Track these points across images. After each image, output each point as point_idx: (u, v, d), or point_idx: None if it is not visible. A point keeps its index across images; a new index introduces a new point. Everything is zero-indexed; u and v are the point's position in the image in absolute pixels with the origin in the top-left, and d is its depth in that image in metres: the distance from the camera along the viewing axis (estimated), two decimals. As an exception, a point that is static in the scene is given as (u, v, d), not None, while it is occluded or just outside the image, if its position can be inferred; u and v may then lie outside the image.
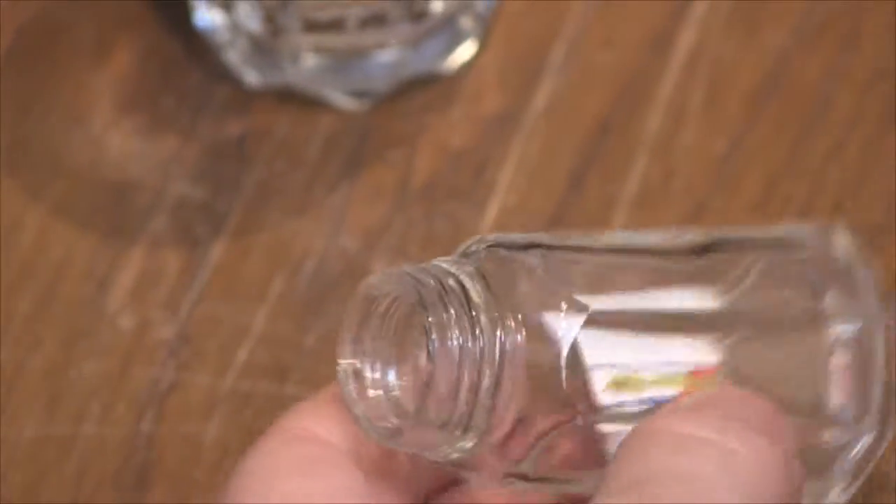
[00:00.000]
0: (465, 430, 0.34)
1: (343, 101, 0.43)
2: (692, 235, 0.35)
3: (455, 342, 0.33)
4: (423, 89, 0.44)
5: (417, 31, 0.43)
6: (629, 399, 0.34)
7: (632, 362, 0.34)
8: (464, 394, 0.33)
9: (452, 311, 0.33)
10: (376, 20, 0.42)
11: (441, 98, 0.44)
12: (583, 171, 0.43)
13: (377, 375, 0.36)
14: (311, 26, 0.43)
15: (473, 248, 0.35)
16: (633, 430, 0.35)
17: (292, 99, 0.44)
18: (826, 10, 0.45)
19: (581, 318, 0.32)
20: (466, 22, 0.44)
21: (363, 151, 0.43)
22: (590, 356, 0.33)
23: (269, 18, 0.42)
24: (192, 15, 0.44)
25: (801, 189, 0.42)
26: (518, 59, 0.45)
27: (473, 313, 0.33)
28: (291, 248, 0.41)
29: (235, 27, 0.42)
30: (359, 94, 0.43)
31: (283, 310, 0.41)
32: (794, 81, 0.44)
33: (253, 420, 0.39)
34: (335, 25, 0.44)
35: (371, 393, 0.36)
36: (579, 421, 0.34)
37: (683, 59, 0.43)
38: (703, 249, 0.35)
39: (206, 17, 0.43)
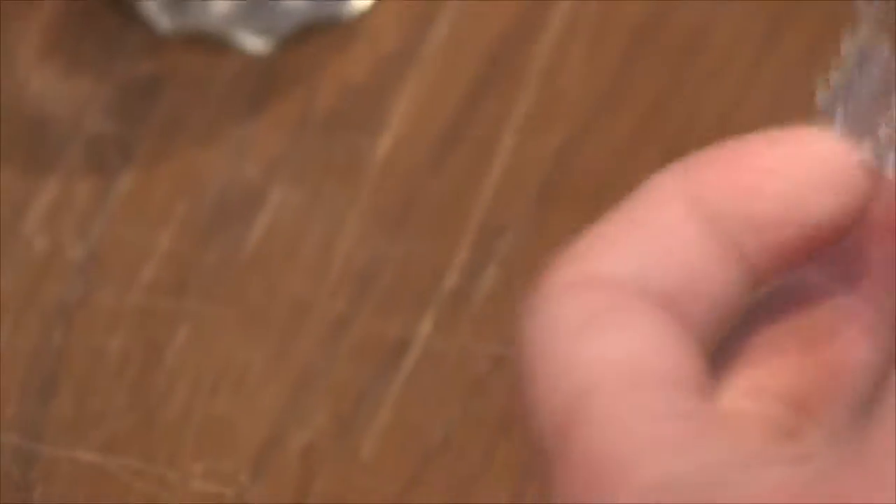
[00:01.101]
0: None
1: (250, 42, 0.46)
2: None
3: None
4: (325, 31, 0.46)
5: None
6: None
7: None
8: None
9: None
10: None
11: (342, 38, 0.46)
12: (473, 99, 0.45)
13: None
14: None
15: None
16: None
17: (202, 41, 0.47)
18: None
19: None
20: None
21: (267, 88, 0.46)
22: None
23: None
24: None
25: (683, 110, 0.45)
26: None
27: None
28: (196, 177, 0.44)
29: None
30: (265, 36, 0.46)
31: (187, 232, 0.44)
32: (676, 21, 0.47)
33: (155, 332, 0.42)
34: None
35: None
36: None
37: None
38: None
39: None
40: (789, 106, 0.47)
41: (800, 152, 0.33)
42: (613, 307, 0.30)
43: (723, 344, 0.33)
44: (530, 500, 0.44)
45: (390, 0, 0.48)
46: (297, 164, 0.45)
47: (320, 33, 0.47)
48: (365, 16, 0.47)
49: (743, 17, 0.48)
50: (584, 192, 0.44)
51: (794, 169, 0.32)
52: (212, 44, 0.48)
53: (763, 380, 0.33)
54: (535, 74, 0.47)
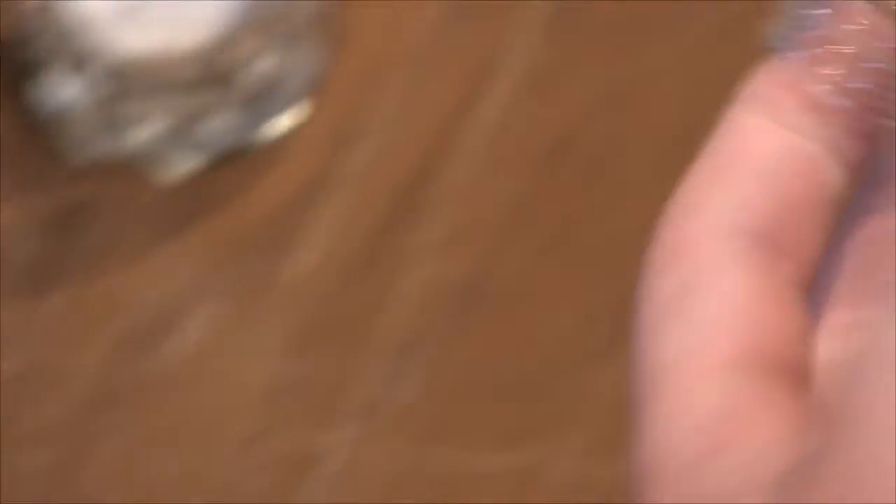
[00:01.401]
0: None
1: (172, 166, 0.50)
2: None
3: None
4: (245, 155, 0.49)
5: (243, 97, 0.49)
6: None
7: None
8: None
9: None
10: (205, 84, 0.49)
11: (262, 162, 0.50)
12: (387, 222, 0.48)
13: None
14: (144, 92, 0.49)
15: None
16: None
17: (128, 166, 0.50)
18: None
19: None
20: (291, 90, 0.49)
21: (189, 211, 0.50)
22: None
23: (109, 87, 0.48)
24: (35, 90, 0.49)
25: (591, 228, 0.48)
26: (336, 124, 0.50)
27: None
28: (122, 297, 0.49)
29: (77, 99, 0.48)
30: (187, 161, 0.50)
31: (112, 350, 0.46)
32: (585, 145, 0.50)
33: (80, 448, 0.44)
34: (169, 88, 0.49)
35: None
36: None
37: (484, 124, 0.49)
38: None
39: (50, 91, 0.49)
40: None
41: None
42: (699, 277, 0.30)
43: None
44: None
45: (308, 125, 0.50)
46: (218, 284, 0.48)
47: (241, 157, 0.50)
48: (284, 140, 0.50)
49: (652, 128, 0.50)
50: (496, 309, 0.47)
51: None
52: (137, 169, 0.51)
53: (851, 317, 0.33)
54: (447, 199, 0.49)
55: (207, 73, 0.50)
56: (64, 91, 0.50)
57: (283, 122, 0.51)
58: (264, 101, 0.50)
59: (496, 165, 0.49)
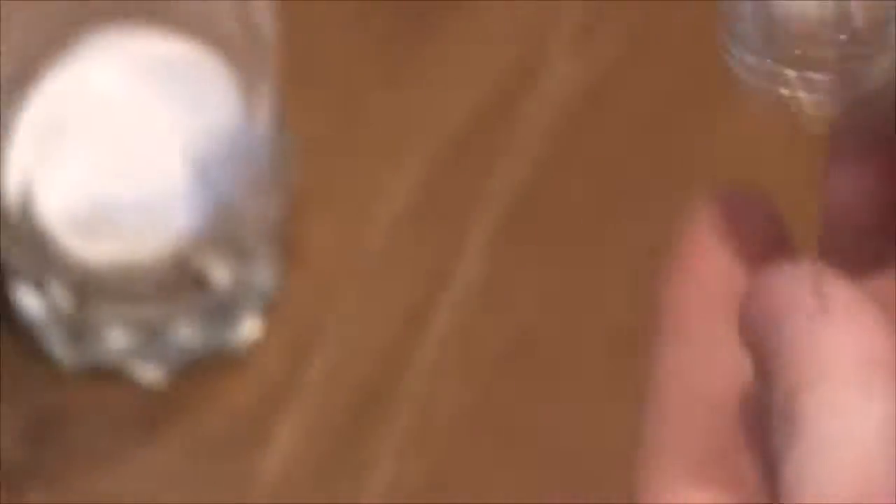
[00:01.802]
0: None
1: (145, 372, 0.51)
2: None
3: None
4: (215, 361, 0.51)
5: (206, 306, 0.51)
6: None
7: None
8: None
9: None
10: (167, 295, 0.50)
11: (231, 367, 0.51)
12: (352, 424, 0.50)
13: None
14: (107, 303, 0.50)
15: None
16: None
17: (102, 372, 0.51)
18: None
19: None
20: (249, 302, 0.52)
21: (162, 415, 0.51)
22: None
23: (76, 298, 0.50)
24: (10, 297, 0.51)
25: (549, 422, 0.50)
26: (295, 335, 0.52)
27: None
28: (97, 499, 0.49)
29: (50, 308, 0.50)
30: (159, 366, 0.51)
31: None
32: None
33: None
34: (132, 299, 0.51)
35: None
36: None
37: (438, 331, 0.51)
38: None
39: (23, 298, 0.51)
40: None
41: None
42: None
43: None
44: None
45: (268, 336, 0.52)
46: (189, 486, 0.50)
47: (210, 363, 0.51)
48: (252, 347, 0.51)
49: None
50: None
51: None
52: (110, 374, 0.52)
53: None
54: (410, 398, 0.51)
55: (169, 285, 0.51)
56: (30, 301, 0.51)
57: (244, 333, 0.52)
58: (225, 312, 0.51)
59: (452, 370, 0.51)
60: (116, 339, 0.52)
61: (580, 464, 0.52)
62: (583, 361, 0.54)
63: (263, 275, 0.54)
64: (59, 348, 0.51)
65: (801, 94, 0.38)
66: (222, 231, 0.53)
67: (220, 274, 0.54)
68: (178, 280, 0.51)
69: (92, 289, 0.52)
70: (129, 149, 0.53)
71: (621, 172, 0.58)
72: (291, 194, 0.55)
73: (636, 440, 0.37)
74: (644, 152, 0.56)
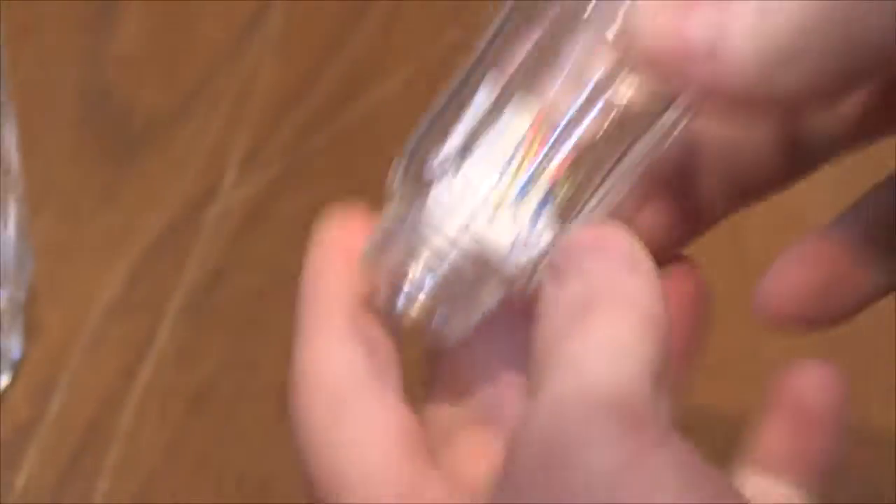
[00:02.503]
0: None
1: None
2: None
3: None
4: None
5: None
6: None
7: None
8: None
9: None
10: None
11: None
12: (72, 466, 0.60)
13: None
14: None
15: None
16: None
17: None
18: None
19: None
20: (2, 361, 0.61)
21: None
22: None
23: None
24: None
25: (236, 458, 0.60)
26: (36, 386, 0.62)
27: None
28: None
29: None
30: None
31: None
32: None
33: None
34: None
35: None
36: None
37: (143, 383, 0.62)
38: None
39: None
40: None
41: None
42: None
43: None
44: None
45: (20, 385, 0.62)
46: None
47: None
48: (2, 394, 0.61)
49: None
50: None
51: None
52: None
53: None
54: (122, 434, 0.61)
55: None
56: None
57: None
58: None
59: (154, 412, 0.61)
60: None
61: (262, 486, 0.62)
62: (256, 406, 0.64)
63: (12, 343, 0.62)
64: None
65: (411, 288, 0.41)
66: None
67: None
68: None
69: None
70: None
71: (284, 267, 0.66)
72: (30, 284, 0.64)
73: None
74: (301, 249, 0.66)
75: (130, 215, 0.68)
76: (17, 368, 0.62)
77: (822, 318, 0.47)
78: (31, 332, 0.63)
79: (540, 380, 0.39)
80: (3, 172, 0.60)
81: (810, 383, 0.45)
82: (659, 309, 0.40)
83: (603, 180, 0.43)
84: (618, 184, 0.43)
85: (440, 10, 0.76)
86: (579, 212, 0.43)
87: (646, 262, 0.41)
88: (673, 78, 0.42)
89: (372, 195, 0.44)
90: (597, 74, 0.42)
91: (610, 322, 0.39)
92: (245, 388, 0.63)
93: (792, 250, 0.47)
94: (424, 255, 0.42)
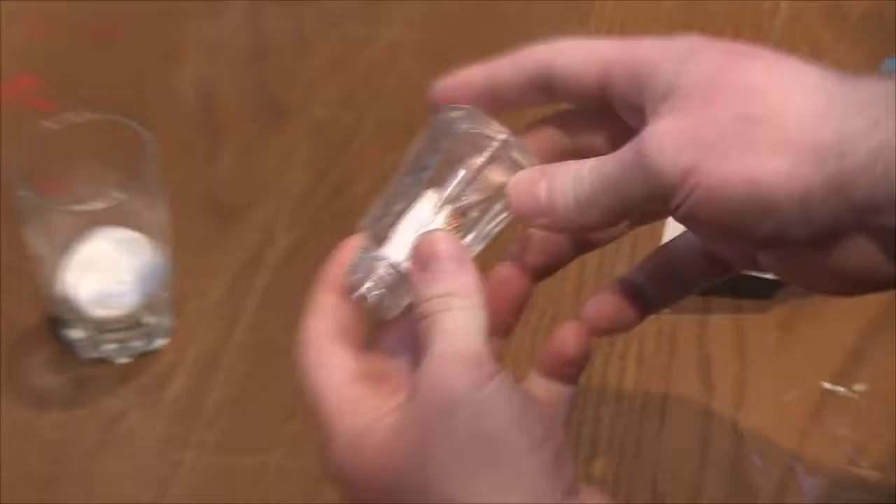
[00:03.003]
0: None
1: (118, 359, 0.84)
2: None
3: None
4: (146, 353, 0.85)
5: (140, 332, 0.84)
6: None
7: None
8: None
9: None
10: (128, 326, 0.83)
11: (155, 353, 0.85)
12: None
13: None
14: (105, 331, 0.83)
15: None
16: None
17: (95, 360, 0.84)
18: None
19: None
20: (160, 331, 0.86)
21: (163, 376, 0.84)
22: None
23: (90, 331, 0.82)
24: (62, 330, 0.83)
25: None
26: (177, 339, 0.87)
27: None
28: None
29: (81, 334, 0.84)
30: (124, 356, 0.84)
31: None
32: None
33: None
34: (115, 329, 0.83)
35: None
36: None
37: None
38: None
39: (70, 332, 0.84)
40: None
41: None
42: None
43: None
44: None
45: (171, 342, 0.86)
46: None
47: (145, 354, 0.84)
48: (162, 349, 0.85)
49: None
50: None
51: None
52: (102, 360, 0.85)
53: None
54: (223, 370, 0.85)
55: (129, 323, 0.82)
56: (74, 332, 0.84)
57: (156, 345, 0.83)
58: (149, 335, 0.84)
59: (245, 364, 0.85)
60: (108, 347, 0.86)
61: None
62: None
63: (166, 320, 0.87)
64: (82, 350, 0.85)
65: (373, 287, 0.58)
66: (148, 305, 0.85)
67: (148, 319, 0.85)
68: (132, 322, 0.85)
69: (98, 327, 0.84)
70: (113, 273, 0.84)
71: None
72: (176, 287, 0.88)
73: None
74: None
75: (227, 253, 0.94)
76: (169, 334, 0.88)
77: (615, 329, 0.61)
78: (177, 313, 0.90)
79: (427, 344, 0.53)
80: (160, 228, 0.84)
81: (569, 335, 0.61)
82: (479, 294, 0.54)
83: (471, 241, 0.58)
84: (476, 244, 0.59)
85: (389, 142, 0.98)
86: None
87: (469, 264, 0.55)
88: (528, 217, 0.56)
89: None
90: (471, 183, 0.57)
91: (460, 307, 0.54)
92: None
93: (595, 297, 0.62)
94: (376, 273, 0.58)
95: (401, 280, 0.54)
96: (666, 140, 0.51)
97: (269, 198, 0.97)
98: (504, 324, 0.58)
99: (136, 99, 1.01)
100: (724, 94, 0.51)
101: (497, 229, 0.57)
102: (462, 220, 0.56)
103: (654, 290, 0.60)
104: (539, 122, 0.59)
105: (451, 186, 0.56)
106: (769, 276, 0.63)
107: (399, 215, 0.56)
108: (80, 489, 0.81)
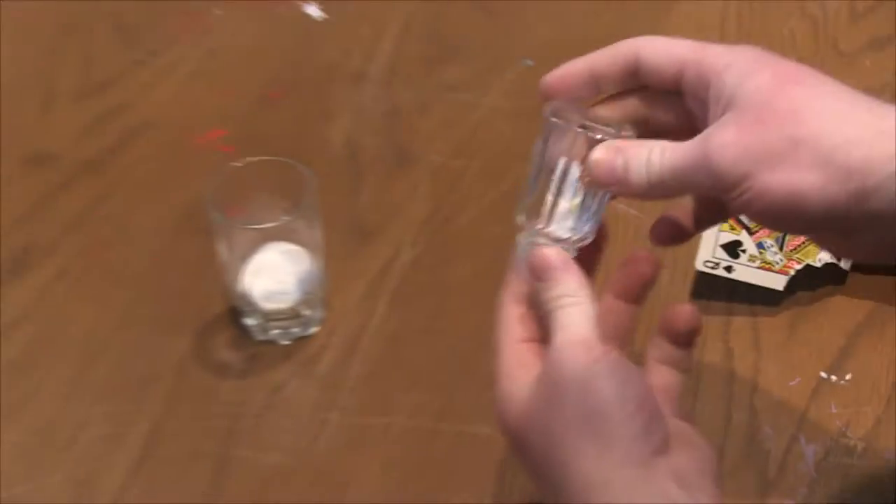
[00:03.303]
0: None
1: (282, 342, 0.90)
2: None
3: None
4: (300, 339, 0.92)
5: (299, 322, 0.90)
6: None
7: None
8: None
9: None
10: (288, 318, 0.88)
11: (310, 339, 0.92)
12: None
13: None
14: (273, 320, 0.90)
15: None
16: None
17: (267, 343, 0.91)
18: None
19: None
20: (314, 321, 0.92)
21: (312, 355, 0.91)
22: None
23: (261, 319, 0.91)
24: (241, 320, 0.90)
25: None
26: (327, 326, 0.92)
27: None
28: None
29: (255, 323, 0.92)
30: (284, 339, 0.91)
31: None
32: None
33: None
34: (281, 319, 0.90)
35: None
36: None
37: None
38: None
39: (246, 320, 0.91)
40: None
41: None
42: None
43: None
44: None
45: (322, 335, 0.91)
46: None
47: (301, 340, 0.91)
48: (313, 337, 0.91)
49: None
50: None
51: None
52: (271, 342, 0.91)
53: None
54: (361, 353, 0.91)
55: (289, 315, 0.93)
56: (249, 321, 0.92)
57: (311, 332, 0.94)
58: (306, 324, 0.92)
59: (385, 344, 0.90)
60: (274, 332, 0.92)
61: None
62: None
63: (318, 312, 0.93)
64: (254, 333, 0.91)
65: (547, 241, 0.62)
66: (305, 301, 0.91)
67: (305, 312, 0.91)
68: (293, 313, 0.91)
69: (267, 316, 0.91)
70: (279, 276, 0.90)
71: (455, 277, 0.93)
72: (327, 286, 0.93)
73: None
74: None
75: (366, 263, 0.99)
76: (321, 323, 0.94)
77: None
78: (327, 308, 0.95)
79: (551, 335, 0.57)
80: (316, 243, 0.88)
81: (681, 314, 0.63)
82: (585, 290, 0.58)
83: (586, 219, 0.63)
84: (596, 216, 0.64)
85: (488, 183, 1.04)
86: (585, 222, 0.63)
87: (573, 267, 0.58)
88: (608, 186, 0.60)
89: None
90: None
91: (570, 303, 0.58)
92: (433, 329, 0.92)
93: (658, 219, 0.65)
94: (547, 237, 0.63)
95: (560, 241, 0.61)
96: (728, 151, 0.56)
97: (398, 222, 1.02)
98: (634, 294, 0.63)
99: (299, 146, 1.07)
100: (775, 116, 0.55)
101: (603, 207, 0.63)
102: (581, 195, 0.61)
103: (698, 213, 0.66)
104: (625, 93, 0.63)
105: (558, 175, 0.61)
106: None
107: (540, 200, 0.62)
108: (251, 440, 0.87)
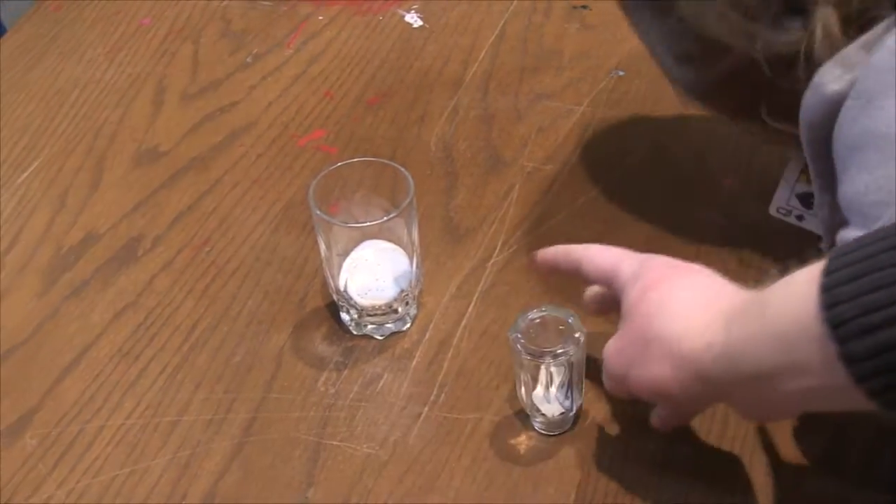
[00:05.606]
0: None
1: (379, 335, 0.95)
2: None
3: None
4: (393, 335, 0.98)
5: (394, 318, 0.91)
6: None
7: None
8: None
9: None
10: (384, 313, 0.93)
11: (403, 335, 0.95)
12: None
13: None
14: (369, 316, 0.91)
15: None
16: None
17: (362, 336, 0.93)
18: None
19: None
20: (408, 317, 0.93)
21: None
22: None
23: (357, 314, 0.90)
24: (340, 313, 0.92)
25: None
26: (419, 324, 0.93)
27: None
28: None
29: (351, 317, 0.93)
30: (378, 334, 0.95)
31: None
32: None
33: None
34: (377, 316, 0.91)
35: None
36: None
37: None
38: None
39: (343, 314, 0.92)
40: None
41: None
42: None
43: None
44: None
45: (415, 332, 0.92)
46: None
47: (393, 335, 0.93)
48: (405, 333, 0.91)
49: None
50: None
51: None
52: (366, 335, 0.92)
53: None
54: (452, 348, 0.91)
55: (386, 311, 0.91)
56: (345, 315, 0.92)
57: (405, 328, 0.93)
58: (400, 320, 0.92)
59: (472, 345, 0.90)
60: (370, 327, 0.92)
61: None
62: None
63: (412, 310, 0.93)
64: (351, 328, 0.92)
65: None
66: (400, 298, 0.91)
67: (399, 308, 0.91)
68: (388, 309, 0.91)
69: (363, 312, 0.91)
70: (376, 273, 0.90)
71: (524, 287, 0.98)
72: (421, 286, 0.93)
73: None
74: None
75: (459, 262, 0.99)
76: (415, 320, 0.94)
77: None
78: (421, 305, 0.96)
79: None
80: (411, 243, 0.89)
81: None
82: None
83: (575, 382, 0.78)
84: (577, 386, 0.78)
85: (579, 188, 1.02)
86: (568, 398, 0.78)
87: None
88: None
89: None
90: None
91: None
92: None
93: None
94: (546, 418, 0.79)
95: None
96: (611, 357, 0.70)
97: (491, 224, 1.02)
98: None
99: (397, 148, 1.08)
100: (634, 321, 0.68)
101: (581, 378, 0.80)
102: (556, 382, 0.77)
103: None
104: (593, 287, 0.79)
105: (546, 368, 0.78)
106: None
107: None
108: (345, 431, 0.87)
